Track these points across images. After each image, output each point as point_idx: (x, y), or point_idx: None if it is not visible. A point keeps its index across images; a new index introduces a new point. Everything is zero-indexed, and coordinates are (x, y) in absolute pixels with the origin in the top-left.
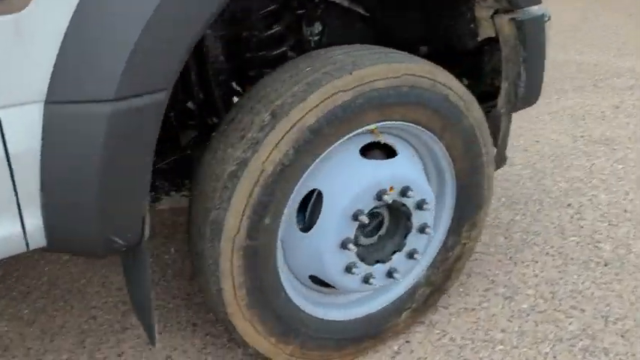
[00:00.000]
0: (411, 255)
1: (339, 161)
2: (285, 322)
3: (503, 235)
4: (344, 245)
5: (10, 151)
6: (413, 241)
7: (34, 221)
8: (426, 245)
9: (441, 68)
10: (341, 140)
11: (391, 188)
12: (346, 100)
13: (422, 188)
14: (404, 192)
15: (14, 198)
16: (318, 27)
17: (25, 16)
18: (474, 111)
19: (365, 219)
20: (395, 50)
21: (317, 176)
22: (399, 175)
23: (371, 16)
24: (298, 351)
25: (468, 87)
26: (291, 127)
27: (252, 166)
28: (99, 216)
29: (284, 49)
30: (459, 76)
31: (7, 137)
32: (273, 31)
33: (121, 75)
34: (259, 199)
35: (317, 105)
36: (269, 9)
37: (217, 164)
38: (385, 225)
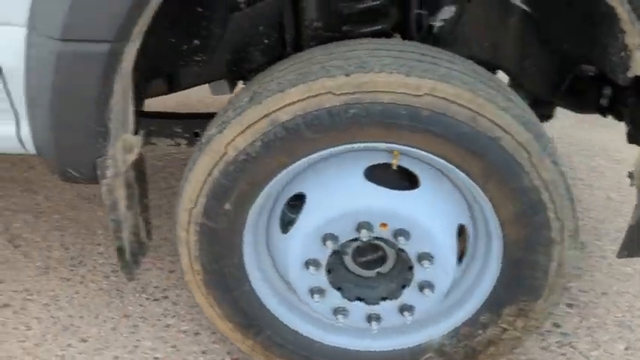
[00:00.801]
0: (403, 310)
1: (335, 173)
2: (246, 314)
3: None
4: (307, 265)
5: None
6: (410, 295)
7: (25, 129)
8: (429, 307)
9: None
10: (336, 149)
11: (384, 225)
12: (335, 105)
13: (428, 238)
14: (399, 234)
15: (11, 107)
16: (449, 12)
17: None
18: (543, 170)
19: (331, 246)
20: (461, 61)
21: (306, 181)
22: (399, 212)
23: (532, 12)
24: (260, 349)
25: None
26: (261, 118)
27: (214, 145)
28: (53, 144)
29: (379, 27)
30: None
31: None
32: (368, 4)
33: (65, 17)
34: (218, 181)
35: (295, 101)
36: None
37: (201, 138)
38: (388, 263)
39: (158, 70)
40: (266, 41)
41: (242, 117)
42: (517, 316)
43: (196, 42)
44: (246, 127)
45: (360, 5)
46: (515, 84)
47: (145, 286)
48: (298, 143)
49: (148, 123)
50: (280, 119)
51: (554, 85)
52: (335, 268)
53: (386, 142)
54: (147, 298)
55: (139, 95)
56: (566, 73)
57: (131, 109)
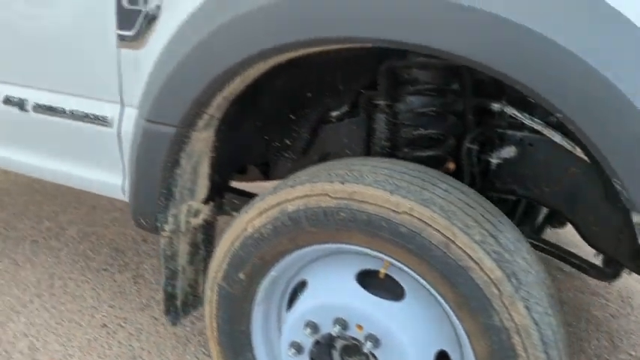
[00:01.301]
0: None
1: (334, 269)
2: None
3: None
4: (291, 346)
5: (122, 131)
6: None
7: (127, 182)
8: None
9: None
10: (332, 246)
11: (360, 327)
12: (330, 206)
13: (398, 352)
14: (370, 339)
15: (121, 163)
16: (509, 152)
17: (142, 54)
18: (515, 312)
19: (312, 333)
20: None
21: (311, 271)
22: (375, 318)
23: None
24: None
25: None
26: (274, 205)
27: (239, 220)
28: (132, 196)
29: (433, 153)
30: None
31: (122, 122)
32: (424, 132)
33: (150, 103)
34: (237, 252)
35: (301, 197)
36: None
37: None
38: None
39: (251, 158)
40: (347, 152)
41: (262, 202)
42: None
43: (287, 142)
44: (263, 211)
45: (417, 132)
46: (581, 236)
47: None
48: (299, 233)
49: (234, 198)
50: (287, 209)
51: (619, 245)
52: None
53: (373, 250)
54: (204, 353)
55: (225, 173)
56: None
57: (203, 182)
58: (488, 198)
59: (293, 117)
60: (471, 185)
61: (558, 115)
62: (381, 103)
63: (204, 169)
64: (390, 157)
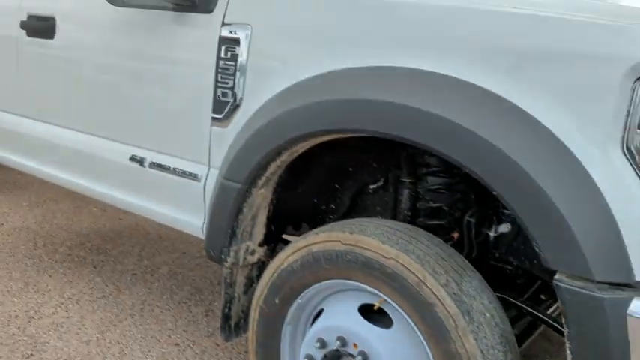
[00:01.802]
0: None
1: (344, 300)
2: None
3: None
4: (306, 357)
5: (206, 185)
6: None
7: (206, 224)
8: None
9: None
10: (342, 281)
11: (355, 345)
12: (340, 249)
13: None
14: (362, 355)
15: (203, 207)
16: (506, 227)
17: (226, 131)
18: (466, 342)
19: (319, 350)
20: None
21: (328, 302)
22: (368, 339)
23: None
24: None
25: None
26: (303, 247)
27: (279, 256)
28: (206, 233)
29: (441, 222)
30: None
31: (207, 179)
32: (433, 205)
33: (225, 164)
34: (275, 280)
35: (321, 241)
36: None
37: None
38: None
39: (304, 216)
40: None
41: (296, 243)
42: None
43: (332, 206)
44: (295, 250)
45: (428, 205)
46: None
47: None
48: (319, 269)
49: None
50: (312, 250)
51: None
52: None
53: (369, 286)
54: None
55: (280, 224)
56: None
57: (260, 229)
58: (488, 265)
59: (338, 186)
60: (470, 252)
61: (494, 192)
62: (405, 180)
63: (262, 219)
64: (410, 224)
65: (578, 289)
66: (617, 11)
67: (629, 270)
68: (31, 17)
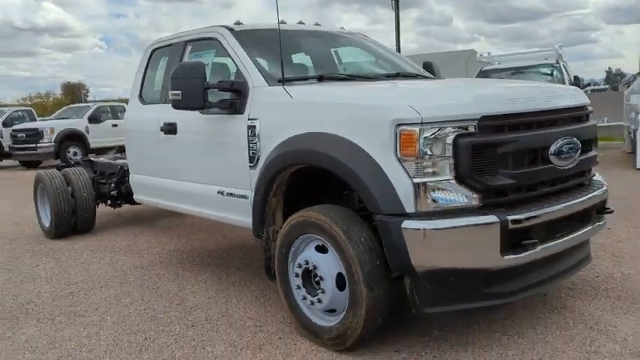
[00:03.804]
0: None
1: (310, 245)
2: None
3: None
4: (295, 275)
5: (251, 200)
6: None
7: (249, 220)
8: (328, 301)
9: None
10: (309, 235)
11: (311, 263)
12: (303, 219)
13: (324, 273)
14: (315, 270)
15: (251, 213)
16: None
17: (255, 170)
18: (349, 251)
19: (299, 268)
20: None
21: (306, 247)
22: (316, 261)
23: None
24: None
25: None
26: (297, 217)
27: (283, 227)
28: (253, 225)
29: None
30: None
31: (251, 197)
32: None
33: (255, 186)
34: (284, 236)
35: (297, 217)
36: None
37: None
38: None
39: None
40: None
41: (289, 219)
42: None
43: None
44: (289, 222)
45: (342, 193)
46: None
47: None
48: (297, 230)
49: None
50: (294, 221)
51: None
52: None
53: (318, 235)
54: None
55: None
56: None
57: (279, 219)
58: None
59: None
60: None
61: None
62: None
63: (279, 213)
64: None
65: (381, 219)
66: (390, 94)
67: (402, 207)
68: (165, 124)
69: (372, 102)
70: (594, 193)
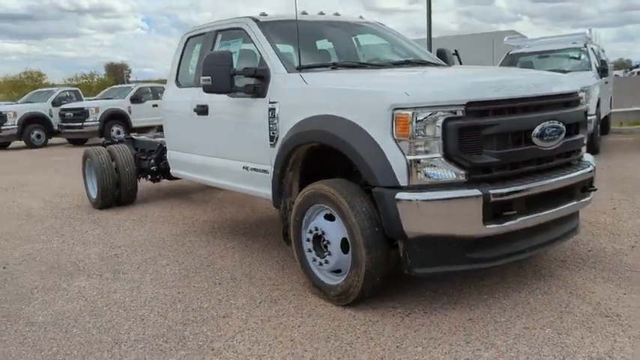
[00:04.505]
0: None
1: (321, 214)
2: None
3: None
4: (307, 240)
5: (271, 174)
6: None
7: (269, 191)
8: (334, 263)
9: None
10: (318, 205)
11: (322, 231)
12: (314, 190)
13: (331, 238)
14: (324, 235)
15: (271, 186)
16: None
17: (275, 148)
18: (352, 219)
19: (310, 234)
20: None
21: (317, 216)
22: (325, 228)
23: None
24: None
25: None
26: (310, 189)
27: (297, 198)
28: (272, 196)
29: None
30: None
31: (271, 171)
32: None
33: (274, 162)
34: (296, 209)
35: (309, 189)
36: None
37: None
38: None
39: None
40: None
41: (308, 187)
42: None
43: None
44: (306, 190)
45: (348, 170)
46: None
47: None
48: (309, 200)
49: None
50: (311, 191)
51: None
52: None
53: (326, 206)
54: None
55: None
56: None
57: (295, 191)
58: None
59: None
60: (359, 184)
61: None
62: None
63: (295, 186)
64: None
65: (378, 190)
66: (389, 81)
67: (396, 180)
68: (198, 105)
69: (374, 88)
70: (578, 172)
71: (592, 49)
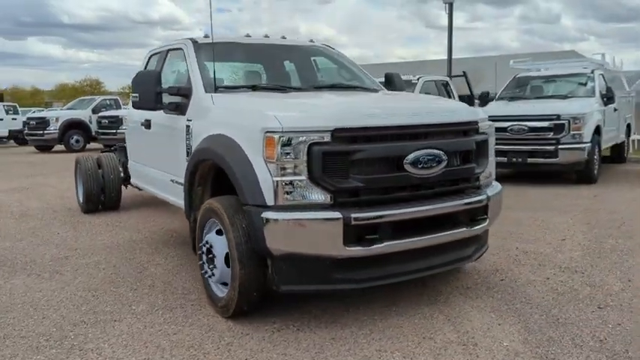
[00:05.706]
0: None
1: (212, 228)
2: (209, 292)
3: None
4: (200, 249)
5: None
6: None
7: None
8: None
9: None
10: (211, 219)
11: (210, 244)
12: (208, 207)
13: (216, 251)
14: (209, 250)
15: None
16: None
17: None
18: (231, 234)
19: (203, 244)
20: None
21: (210, 230)
22: (214, 240)
23: None
24: None
25: None
26: (203, 206)
27: (202, 207)
28: (184, 207)
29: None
30: None
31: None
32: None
33: (184, 176)
34: (199, 219)
35: (206, 205)
36: None
37: None
38: None
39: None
40: None
41: (206, 203)
42: None
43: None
44: (205, 205)
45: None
46: None
47: None
48: (205, 215)
49: None
50: (203, 207)
51: None
52: None
53: (215, 219)
54: None
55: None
56: None
57: (207, 200)
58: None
59: None
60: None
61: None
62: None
63: (207, 197)
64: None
65: (248, 209)
66: (271, 105)
67: (264, 200)
68: (145, 120)
69: (255, 110)
70: (462, 201)
71: (601, 75)
